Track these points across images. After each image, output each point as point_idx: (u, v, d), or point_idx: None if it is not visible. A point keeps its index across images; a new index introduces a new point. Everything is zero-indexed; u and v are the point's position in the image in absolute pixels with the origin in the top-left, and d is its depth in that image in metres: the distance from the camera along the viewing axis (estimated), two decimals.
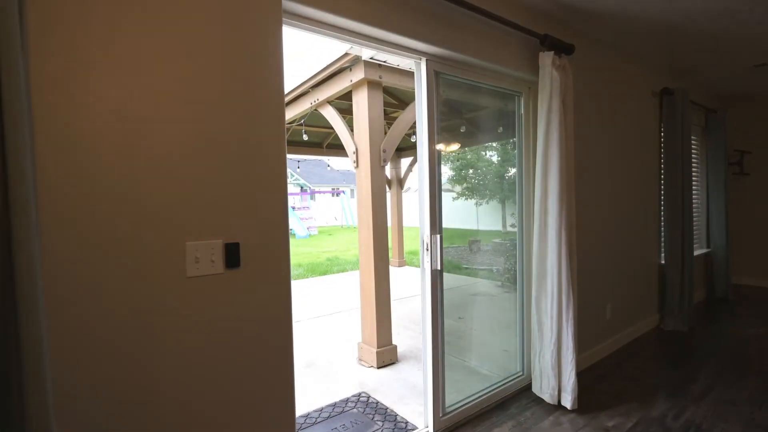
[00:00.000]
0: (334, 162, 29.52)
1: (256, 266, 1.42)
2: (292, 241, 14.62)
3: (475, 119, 3.61)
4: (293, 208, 17.48)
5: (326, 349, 3.57)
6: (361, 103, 3.15)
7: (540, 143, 2.41)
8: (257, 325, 1.42)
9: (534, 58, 2.47)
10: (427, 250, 2.12)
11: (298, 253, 11.34)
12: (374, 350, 3.13)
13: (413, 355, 3.38)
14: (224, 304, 1.35)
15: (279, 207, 1.48)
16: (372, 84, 3.09)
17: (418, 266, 8.43)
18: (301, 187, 22.81)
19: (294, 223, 16.52)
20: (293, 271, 8.11)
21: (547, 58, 2.38)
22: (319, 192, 23.73)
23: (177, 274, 1.26)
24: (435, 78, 2.13)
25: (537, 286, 2.45)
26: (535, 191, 2.46)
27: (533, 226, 2.55)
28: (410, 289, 5.97)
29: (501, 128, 3.33)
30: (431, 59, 2.09)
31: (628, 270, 3.51)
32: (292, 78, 3.90)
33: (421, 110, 2.12)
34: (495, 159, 3.95)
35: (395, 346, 3.26)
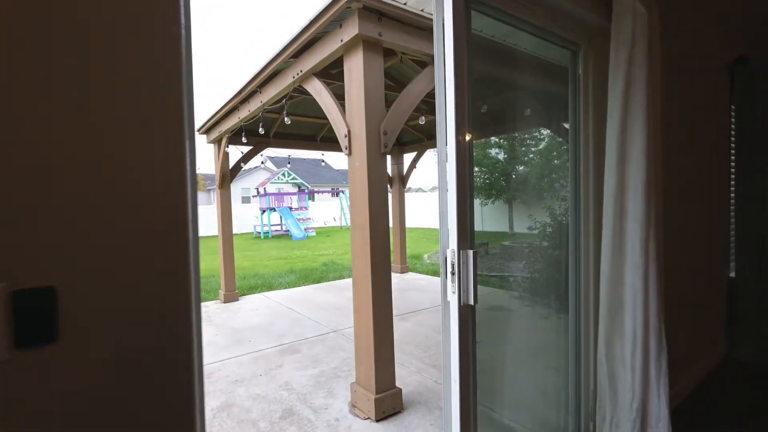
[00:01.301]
0: (332, 159, 28.77)
1: (100, 337, 0.65)
2: (288, 243, 13.83)
3: (500, 102, 2.84)
4: (290, 208, 16.73)
5: (311, 390, 2.79)
6: (354, 69, 2.39)
7: (615, 113, 1.64)
8: None
9: None
10: (453, 273, 1.35)
11: (292, 257, 10.58)
12: (372, 397, 2.36)
13: (423, 398, 2.61)
14: None
15: (173, 198, 0.71)
16: (369, 44, 2.33)
17: (423, 273, 7.60)
18: (299, 187, 22.04)
19: (290, 224, 15.78)
20: (284, 279, 7.27)
21: None
22: (318, 192, 22.93)
23: None
24: (465, 10, 1.35)
25: (608, 323, 1.68)
26: (605, 183, 1.69)
27: (596, 233, 1.79)
28: (414, 301, 5.19)
29: (529, 110, 2.59)
30: None
31: (700, 287, 2.73)
32: (270, 48, 3.15)
33: (444, 61, 1.35)
34: (508, 150, 3.24)
35: (399, 390, 2.49)
